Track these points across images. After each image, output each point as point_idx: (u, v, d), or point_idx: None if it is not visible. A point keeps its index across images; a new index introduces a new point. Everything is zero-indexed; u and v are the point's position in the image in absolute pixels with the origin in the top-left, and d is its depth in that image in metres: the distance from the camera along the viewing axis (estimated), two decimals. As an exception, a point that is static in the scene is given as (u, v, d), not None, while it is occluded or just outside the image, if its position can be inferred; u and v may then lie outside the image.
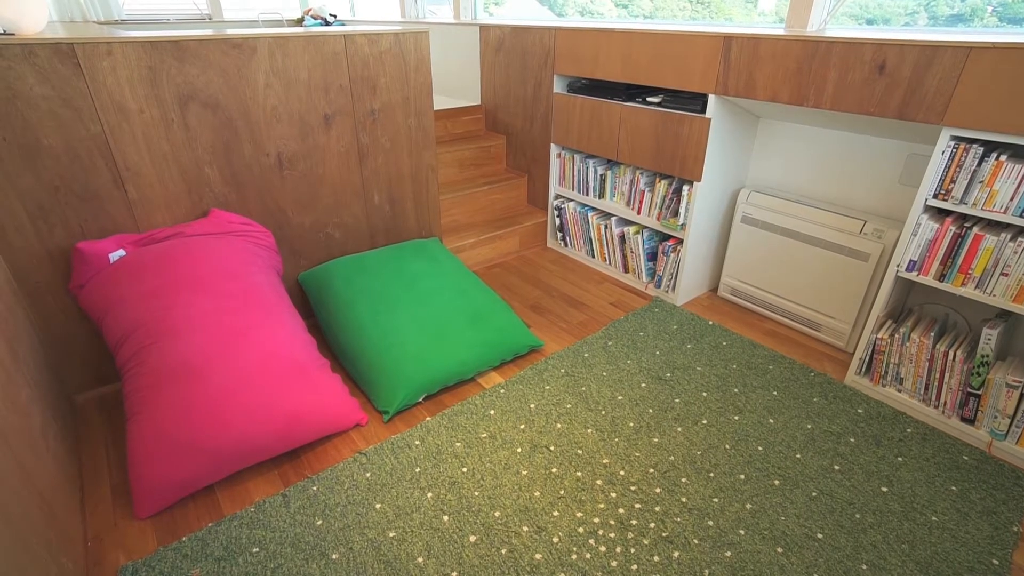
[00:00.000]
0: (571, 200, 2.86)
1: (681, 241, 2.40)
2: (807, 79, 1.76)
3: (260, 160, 1.95)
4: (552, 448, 1.66)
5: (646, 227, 2.53)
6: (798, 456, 1.63)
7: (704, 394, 1.89)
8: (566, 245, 2.96)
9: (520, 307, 2.45)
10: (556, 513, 1.45)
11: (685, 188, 2.26)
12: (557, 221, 2.93)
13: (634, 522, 1.43)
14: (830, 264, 2.06)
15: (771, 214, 2.19)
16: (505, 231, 2.87)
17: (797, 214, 2.12)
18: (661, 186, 2.36)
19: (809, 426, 1.75)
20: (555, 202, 2.91)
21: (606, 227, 2.65)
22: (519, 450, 1.66)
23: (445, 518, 1.44)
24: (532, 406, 1.84)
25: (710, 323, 2.30)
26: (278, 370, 1.62)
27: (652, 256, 2.53)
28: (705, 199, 2.26)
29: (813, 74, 1.74)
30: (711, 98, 2.05)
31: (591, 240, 2.77)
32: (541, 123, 2.87)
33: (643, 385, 1.94)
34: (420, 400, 1.86)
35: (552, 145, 2.79)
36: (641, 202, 2.47)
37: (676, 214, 2.38)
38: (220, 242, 1.82)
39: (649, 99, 2.31)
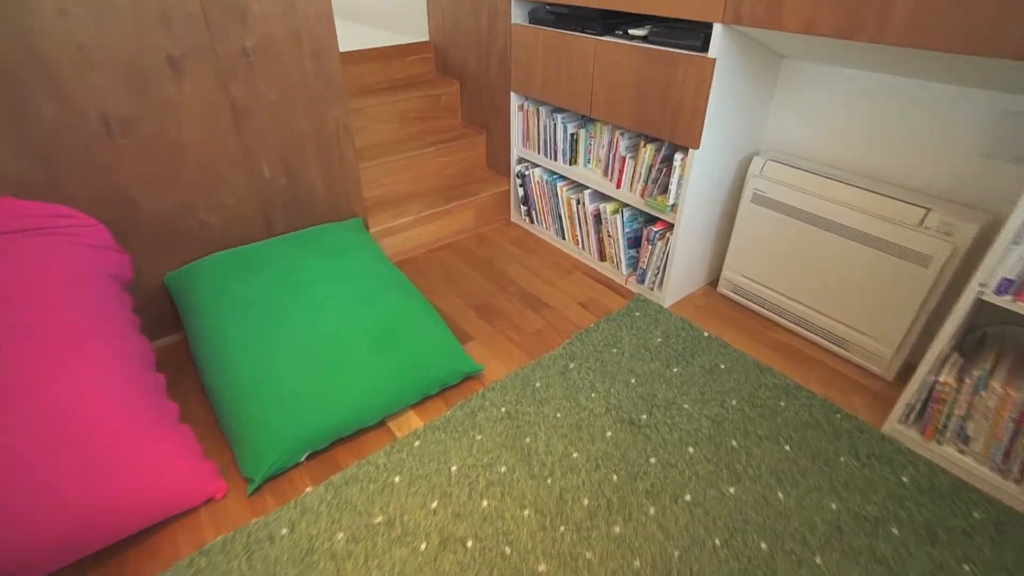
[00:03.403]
0: (537, 165, 2.27)
1: (671, 226, 1.83)
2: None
3: (73, 124, 1.38)
4: (470, 544, 1.18)
5: (627, 205, 1.96)
6: (818, 561, 1.15)
7: (690, 450, 1.39)
8: (532, 221, 2.39)
9: (461, 310, 1.92)
10: (459, 666, 0.99)
11: (678, 156, 1.67)
12: (520, 191, 2.35)
13: None
14: (871, 266, 1.50)
15: (792, 193, 1.62)
16: (457, 204, 2.30)
17: (828, 194, 1.55)
18: (646, 152, 1.77)
19: (834, 506, 1.25)
20: (518, 167, 2.32)
21: (578, 202, 2.08)
22: (423, 547, 1.18)
23: (294, 675, 0.97)
24: (453, 468, 1.35)
25: (705, 334, 1.78)
26: (76, 434, 1.12)
27: (635, 242, 1.97)
28: (704, 171, 1.68)
29: (873, -11, 1.12)
30: (716, 30, 1.44)
31: (560, 217, 2.20)
32: (498, 64, 2.24)
33: (609, 434, 1.44)
34: (302, 460, 1.38)
35: (512, 94, 2.18)
36: (621, 172, 1.89)
37: (665, 191, 1.80)
38: (7, 246, 1.29)
39: (632, 31, 1.69)
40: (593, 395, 1.55)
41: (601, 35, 1.75)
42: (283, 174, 1.78)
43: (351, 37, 2.69)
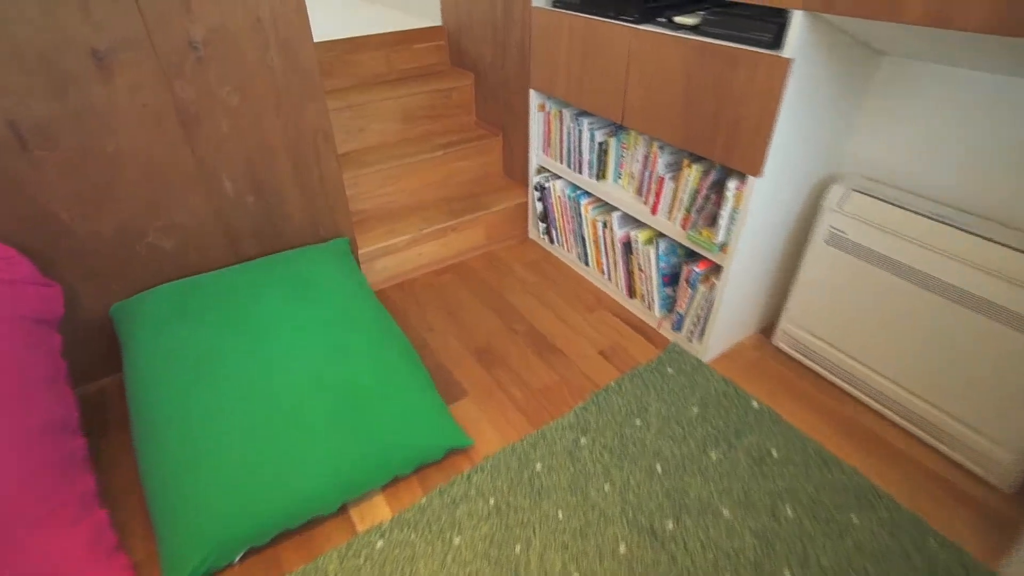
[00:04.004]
0: (559, 177, 1.92)
1: (717, 267, 1.47)
2: (1035, -25, 0.75)
3: (-25, 135, 1.13)
4: None
5: (664, 235, 1.60)
6: None
7: (729, 583, 1.06)
8: (552, 241, 2.05)
9: (457, 354, 1.62)
10: None
11: (732, 183, 1.30)
12: (539, 206, 2.01)
13: None
14: (991, 342, 1.11)
15: (882, 236, 1.23)
16: (465, 219, 1.98)
17: (933, 242, 1.15)
18: (691, 173, 1.41)
19: None
20: (537, 178, 1.98)
21: (605, 225, 1.73)
22: None
23: None
24: (420, 588, 1.06)
25: (754, 404, 1.42)
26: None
27: (671, 280, 1.62)
28: (765, 204, 1.31)
29: (1055, -39, 0.73)
30: (796, 19, 1.06)
31: (584, 240, 1.86)
32: (516, 55, 1.89)
33: (622, 549, 1.11)
34: (236, 561, 1.11)
35: (531, 92, 1.83)
36: (658, 195, 1.53)
37: (713, 223, 1.44)
38: None
39: (678, 19, 1.31)
40: (607, 487, 1.23)
41: (639, 23, 1.39)
42: (250, 190, 1.50)
43: (352, 20, 2.38)
